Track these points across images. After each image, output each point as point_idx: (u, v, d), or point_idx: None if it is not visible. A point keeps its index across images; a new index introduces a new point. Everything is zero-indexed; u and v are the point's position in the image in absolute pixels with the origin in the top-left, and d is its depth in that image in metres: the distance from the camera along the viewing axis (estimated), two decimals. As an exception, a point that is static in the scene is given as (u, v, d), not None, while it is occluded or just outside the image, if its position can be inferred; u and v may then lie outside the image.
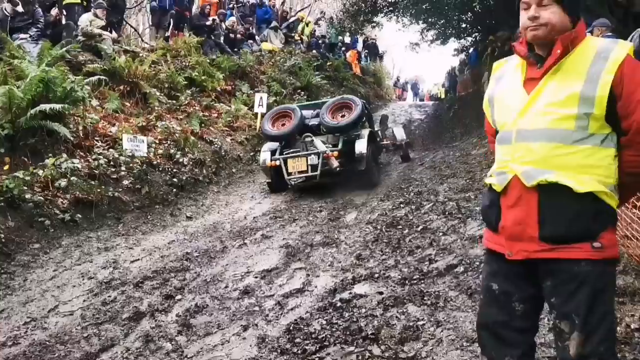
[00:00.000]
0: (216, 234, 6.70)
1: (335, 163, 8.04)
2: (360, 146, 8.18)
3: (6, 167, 6.59)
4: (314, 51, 19.28)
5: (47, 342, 4.04)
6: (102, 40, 10.42)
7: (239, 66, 14.20)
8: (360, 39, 27.14)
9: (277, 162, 8.32)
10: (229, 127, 11.66)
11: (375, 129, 10.04)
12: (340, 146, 8.37)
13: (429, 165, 10.01)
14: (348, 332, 3.63)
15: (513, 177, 2.07)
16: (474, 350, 3.13)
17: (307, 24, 21.41)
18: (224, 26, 15.95)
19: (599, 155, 2.00)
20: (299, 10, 27.48)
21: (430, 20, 19.86)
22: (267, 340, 3.74)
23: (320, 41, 21.38)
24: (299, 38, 20.09)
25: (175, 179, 8.53)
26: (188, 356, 3.69)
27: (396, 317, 3.76)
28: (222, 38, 15.38)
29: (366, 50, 27.94)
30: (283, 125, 8.90)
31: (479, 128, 13.65)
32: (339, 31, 22.02)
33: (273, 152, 8.58)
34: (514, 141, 2.09)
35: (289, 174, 8.22)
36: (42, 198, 6.40)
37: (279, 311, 4.20)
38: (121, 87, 9.96)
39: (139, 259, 5.88)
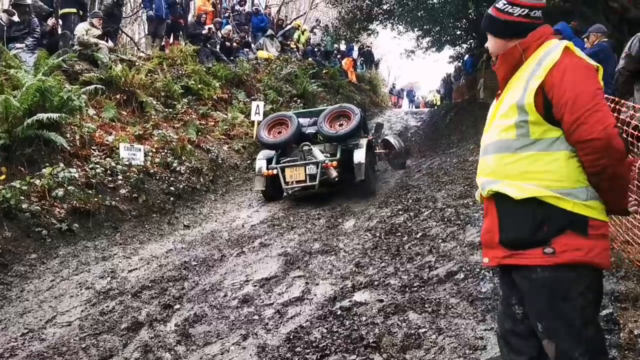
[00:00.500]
0: (214, 242, 6.66)
1: (334, 173, 7.99)
2: (359, 156, 8.11)
3: (3, 177, 6.55)
4: (310, 59, 19.31)
5: (45, 354, 4.00)
6: (99, 50, 10.41)
7: (235, 74, 14.21)
8: (356, 47, 27.23)
9: (274, 171, 8.25)
10: (225, 135, 11.64)
11: (371, 136, 10.02)
12: (338, 155, 8.32)
13: (426, 172, 10.01)
14: (349, 341, 3.61)
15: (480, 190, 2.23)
16: (477, 358, 3.11)
17: (302, 32, 21.46)
18: (219, 34, 15.96)
19: (545, 160, 2.02)
20: (295, 19, 27.54)
21: (425, 27, 19.97)
22: (267, 349, 3.71)
23: (316, 49, 21.43)
24: (294, 46, 20.12)
25: (172, 188, 8.50)
26: (188, 366, 3.66)
27: (397, 324, 3.74)
28: (218, 46, 15.40)
29: (362, 58, 28.01)
30: (279, 133, 8.84)
31: (475, 135, 13.68)
32: (335, 39, 22.08)
33: (269, 161, 8.51)
34: (481, 156, 2.25)
35: (287, 183, 8.15)
36: (39, 208, 6.37)
37: (279, 320, 4.17)
38: (118, 96, 9.94)
39: (136, 269, 5.84)
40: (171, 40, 14.76)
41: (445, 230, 5.71)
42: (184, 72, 12.33)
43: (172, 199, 8.33)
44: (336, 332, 3.77)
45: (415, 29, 20.45)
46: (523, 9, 2.16)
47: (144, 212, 7.71)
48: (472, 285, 4.17)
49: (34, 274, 5.61)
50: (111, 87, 9.94)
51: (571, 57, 2.03)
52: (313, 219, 7.28)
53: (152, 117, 10.06)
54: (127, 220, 7.36)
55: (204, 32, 14.91)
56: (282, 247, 6.07)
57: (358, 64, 26.74)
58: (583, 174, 1.98)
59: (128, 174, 7.87)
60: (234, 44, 16.17)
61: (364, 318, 3.94)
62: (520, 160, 2.05)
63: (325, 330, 3.83)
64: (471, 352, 3.23)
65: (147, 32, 16.62)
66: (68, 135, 7.78)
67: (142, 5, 17.10)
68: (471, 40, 21.48)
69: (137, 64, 11.47)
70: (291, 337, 3.82)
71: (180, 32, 14.95)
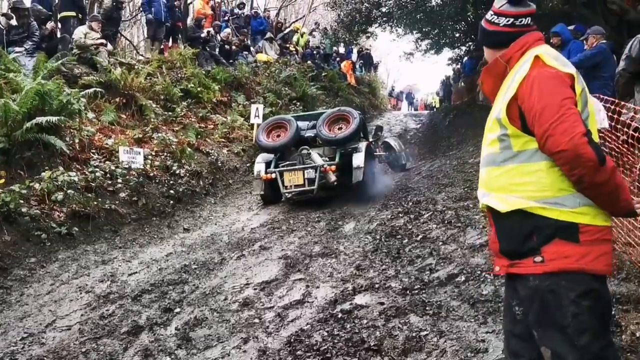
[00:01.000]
0: (214, 245, 6.65)
1: (333, 177, 7.95)
2: (358, 160, 8.07)
3: (2, 181, 6.54)
4: (309, 62, 19.34)
5: (45, 358, 3.98)
6: (98, 53, 10.41)
7: (234, 77, 14.22)
8: (355, 50, 27.26)
9: (273, 175, 8.22)
10: (225, 138, 11.65)
11: (370, 139, 10.00)
12: (337, 159, 8.28)
13: (426, 175, 10.01)
14: (350, 344, 3.60)
15: None
16: (478, 361, 3.10)
17: (301, 35, 21.49)
18: (219, 38, 15.99)
19: (527, 171, 2.02)
20: (294, 22, 27.60)
21: (424, 30, 19.98)
22: (267, 352, 3.70)
23: (315, 52, 21.45)
24: (294, 49, 20.14)
25: (172, 191, 8.49)
26: (188, 370, 3.65)
27: (398, 327, 3.73)
28: (217, 49, 15.42)
29: (361, 61, 28.05)
30: (278, 136, 8.80)
31: (475, 137, 13.68)
32: (334, 42, 22.11)
33: (268, 164, 8.47)
34: (480, 167, 2.27)
35: (285, 187, 8.10)
36: (38, 211, 6.36)
37: (279, 323, 4.16)
38: (117, 100, 9.95)
39: (136, 272, 5.83)
40: (170, 43, 14.77)
41: (446, 232, 5.70)
42: (183, 76, 12.34)
43: (171, 202, 8.32)
44: (337, 335, 3.76)
45: (414, 32, 20.46)
46: (508, 19, 2.17)
47: (143, 215, 7.70)
48: (473, 287, 4.16)
49: (33, 278, 5.60)
50: (110, 90, 9.94)
51: (540, 67, 2.01)
52: (313, 221, 7.26)
53: (152, 120, 10.07)
54: (127, 223, 7.35)
55: (203, 35, 14.94)
56: (282, 250, 6.06)
57: (357, 66, 26.80)
58: (567, 182, 1.96)
59: (128, 177, 7.87)
60: (233, 47, 16.19)
61: (364, 321, 3.93)
62: (505, 173, 2.07)
63: (326, 334, 3.82)
64: (473, 354, 3.23)
65: (146, 36, 16.66)
66: (67, 139, 7.78)
67: (141, 9, 17.10)
68: (470, 43, 21.49)
69: (136, 67, 11.48)
70: (292, 340, 3.81)
71: (180, 36, 14.98)
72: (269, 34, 18.67)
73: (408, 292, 4.35)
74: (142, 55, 15.21)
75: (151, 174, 8.46)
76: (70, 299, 5.13)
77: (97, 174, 7.45)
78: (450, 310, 3.88)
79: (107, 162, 7.98)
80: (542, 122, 1.92)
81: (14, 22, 9.78)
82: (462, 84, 22.92)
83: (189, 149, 9.76)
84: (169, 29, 14.35)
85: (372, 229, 6.46)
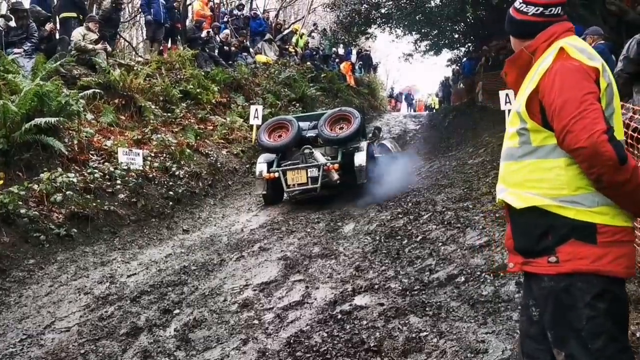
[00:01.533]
0: (213, 246, 6.64)
1: (335, 176, 8.00)
2: (360, 159, 8.13)
3: (1, 182, 6.54)
4: (308, 63, 19.35)
5: (44, 359, 3.97)
6: (97, 54, 10.41)
7: (233, 78, 14.22)
8: (354, 51, 27.29)
9: (276, 174, 8.24)
10: (224, 139, 11.64)
11: (368, 141, 10.00)
12: (339, 158, 8.33)
13: (426, 175, 10.00)
14: (350, 345, 3.59)
15: None
16: (479, 362, 3.10)
17: (301, 36, 21.50)
18: (218, 39, 15.98)
19: (545, 167, 1.96)
20: (293, 23, 27.60)
21: (423, 31, 20.04)
22: (267, 354, 3.69)
23: (314, 53, 21.46)
24: (293, 50, 20.16)
25: (171, 192, 8.48)
26: (187, 372, 3.63)
27: (398, 328, 3.72)
28: (216, 51, 15.43)
29: (360, 62, 28.07)
30: (279, 136, 8.83)
31: (474, 138, 13.71)
32: (333, 43, 22.13)
33: (270, 164, 8.51)
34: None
35: (288, 186, 8.13)
36: (37, 213, 6.35)
37: (279, 324, 4.15)
38: (116, 101, 9.94)
39: (135, 273, 5.81)
40: (169, 44, 14.77)
41: (445, 233, 5.69)
42: (182, 77, 12.34)
43: (171, 203, 8.31)
44: (337, 336, 3.75)
45: (413, 33, 20.51)
46: (537, 8, 2.08)
47: (142, 216, 7.69)
48: (472, 288, 4.16)
49: (32, 280, 5.58)
50: (109, 91, 9.93)
51: (564, 60, 1.94)
52: (312, 222, 7.25)
53: (151, 121, 10.06)
54: (126, 225, 7.34)
55: (202, 36, 14.94)
56: (281, 251, 6.05)
57: (356, 67, 26.81)
58: (586, 180, 1.90)
59: (127, 178, 7.86)
60: (233, 48, 16.20)
61: (364, 322, 3.92)
62: (522, 168, 2.02)
63: (325, 335, 3.81)
64: (473, 355, 3.22)
65: (145, 37, 16.66)
66: (66, 140, 7.77)
67: (140, 10, 17.11)
68: (469, 44, 21.54)
69: (135, 68, 11.47)
70: (291, 341, 3.80)
71: (179, 37, 14.97)
72: (268, 35, 18.69)
73: (408, 292, 4.34)
74: (141, 56, 15.21)
75: (150, 175, 8.45)
76: (69, 301, 5.11)
77: (96, 175, 7.44)
78: (450, 311, 3.87)
79: (106, 163, 7.97)
80: (561, 117, 1.85)
81: (13, 23, 9.78)
82: (462, 85, 22.96)
83: (188, 150, 9.75)
84: (168, 30, 14.35)
85: (371, 230, 6.46)
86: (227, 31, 16.99)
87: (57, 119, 7.30)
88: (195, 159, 9.85)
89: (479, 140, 12.82)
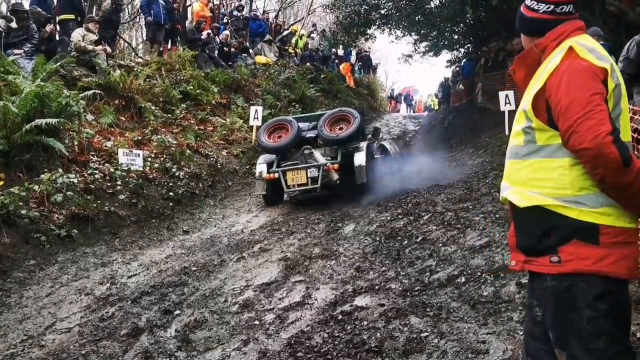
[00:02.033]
0: (214, 247, 6.64)
1: (335, 176, 8.01)
2: (360, 159, 8.13)
3: (1, 183, 6.54)
4: (308, 64, 19.36)
5: (45, 360, 3.98)
6: (97, 55, 10.41)
7: (233, 79, 14.24)
8: (354, 52, 27.31)
9: (276, 175, 8.24)
10: (224, 140, 11.65)
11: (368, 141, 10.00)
12: (339, 159, 8.33)
13: (426, 176, 9.99)
14: (351, 345, 3.59)
15: None
16: (479, 362, 3.10)
17: (300, 37, 21.51)
18: (217, 40, 15.99)
19: (549, 167, 1.96)
20: (293, 24, 27.61)
21: (422, 32, 20.06)
22: (268, 354, 3.69)
23: (314, 54, 21.48)
24: (292, 51, 20.17)
25: (171, 193, 8.49)
26: (189, 372, 3.64)
27: (399, 329, 3.73)
28: (216, 52, 15.43)
29: (360, 63, 28.09)
30: (279, 137, 8.84)
31: (474, 138, 13.73)
32: (332, 44, 22.14)
33: (270, 165, 8.51)
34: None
35: (288, 186, 8.14)
36: (37, 214, 6.35)
37: (280, 325, 4.15)
38: (116, 102, 9.95)
39: (136, 274, 5.82)
40: (169, 45, 14.78)
41: (446, 234, 5.69)
42: (182, 78, 12.35)
43: (171, 204, 8.31)
44: (337, 337, 3.75)
45: (413, 34, 20.53)
46: (548, 5, 2.07)
47: (143, 217, 7.70)
48: (473, 289, 4.16)
49: (33, 280, 5.59)
50: (109, 92, 9.95)
51: (572, 60, 1.93)
52: (313, 223, 7.26)
53: (151, 122, 10.07)
54: (126, 225, 7.34)
55: (202, 37, 14.95)
56: (282, 251, 6.05)
57: (356, 68, 26.82)
58: (590, 180, 1.89)
59: (127, 179, 7.86)
60: (232, 49, 16.21)
61: (365, 322, 3.92)
62: (526, 167, 2.02)
63: (326, 335, 3.82)
64: (474, 356, 3.22)
65: (145, 38, 16.67)
66: (67, 141, 7.78)
67: (140, 11, 17.11)
68: (469, 45, 21.55)
69: (135, 69, 11.49)
70: (292, 342, 3.80)
71: (179, 38, 14.98)
72: (267, 36, 18.70)
73: (408, 293, 4.34)
74: (141, 57, 15.22)
75: (150, 176, 8.46)
76: (69, 301, 5.12)
77: (97, 176, 7.44)
78: (451, 311, 3.87)
79: (106, 164, 7.97)
80: (567, 117, 1.84)
81: (13, 24, 9.78)
82: (461, 86, 22.94)
83: (188, 151, 9.76)
84: (168, 31, 14.36)
85: (371, 231, 6.46)
86: (227, 32, 17.01)
87: (58, 120, 7.30)
88: (195, 159, 9.85)
89: (479, 141, 12.84)
